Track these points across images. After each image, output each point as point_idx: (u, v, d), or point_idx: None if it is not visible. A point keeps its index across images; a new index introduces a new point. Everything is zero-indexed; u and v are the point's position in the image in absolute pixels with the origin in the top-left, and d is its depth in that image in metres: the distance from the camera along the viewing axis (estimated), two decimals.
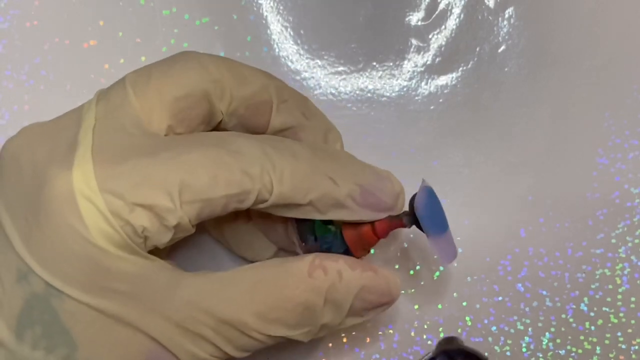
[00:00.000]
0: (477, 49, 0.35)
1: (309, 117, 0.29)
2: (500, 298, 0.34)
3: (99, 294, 0.24)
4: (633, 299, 0.34)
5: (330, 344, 0.33)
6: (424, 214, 0.27)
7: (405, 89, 0.35)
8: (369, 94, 0.35)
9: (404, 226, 0.28)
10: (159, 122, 0.26)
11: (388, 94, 0.35)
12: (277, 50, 0.35)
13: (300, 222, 0.29)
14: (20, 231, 0.24)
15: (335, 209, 0.26)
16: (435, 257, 0.34)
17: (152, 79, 0.26)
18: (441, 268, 0.34)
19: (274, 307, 0.26)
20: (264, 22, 0.35)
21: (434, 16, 0.35)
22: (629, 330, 0.34)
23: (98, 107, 0.26)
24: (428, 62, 0.35)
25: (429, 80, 0.35)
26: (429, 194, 0.27)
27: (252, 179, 0.25)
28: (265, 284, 0.26)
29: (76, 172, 0.24)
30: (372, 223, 0.27)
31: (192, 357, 0.26)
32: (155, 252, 0.25)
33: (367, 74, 0.35)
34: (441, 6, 0.35)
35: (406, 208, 0.28)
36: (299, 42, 0.35)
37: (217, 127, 0.29)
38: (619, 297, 0.34)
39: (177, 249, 0.32)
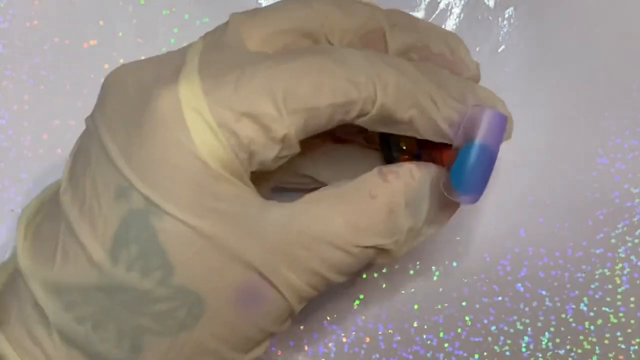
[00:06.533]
0: (477, 49, 0.35)
1: (424, 31, 0.28)
2: (499, 298, 0.34)
3: (197, 212, 0.23)
4: (632, 298, 0.34)
5: (331, 344, 0.33)
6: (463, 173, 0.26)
7: None
8: None
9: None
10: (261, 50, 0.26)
11: None
12: None
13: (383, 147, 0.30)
14: (122, 147, 0.24)
15: (431, 130, 0.26)
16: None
17: (258, 13, 0.26)
18: (442, 268, 0.34)
19: (361, 214, 0.25)
20: None
21: (434, 16, 0.35)
22: (629, 330, 0.34)
23: (204, 39, 0.26)
24: None
25: None
26: (481, 151, 0.25)
27: (358, 87, 0.24)
28: (347, 196, 0.26)
29: (182, 86, 0.23)
30: (441, 151, 0.27)
31: (289, 286, 0.25)
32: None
33: None
34: (441, 6, 0.35)
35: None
36: None
37: None
38: (619, 297, 0.34)
39: None
